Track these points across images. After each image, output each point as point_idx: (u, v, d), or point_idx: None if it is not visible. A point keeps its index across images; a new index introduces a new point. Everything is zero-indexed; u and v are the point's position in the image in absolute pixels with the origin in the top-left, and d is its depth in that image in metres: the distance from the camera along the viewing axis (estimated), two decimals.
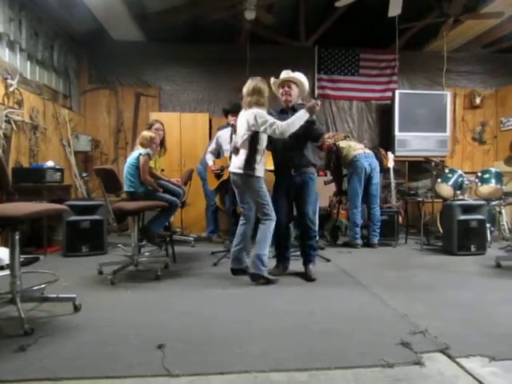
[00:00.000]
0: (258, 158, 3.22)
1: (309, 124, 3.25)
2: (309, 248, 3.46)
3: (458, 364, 1.78)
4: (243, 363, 1.80)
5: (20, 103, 4.59)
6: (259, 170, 3.22)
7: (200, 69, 6.60)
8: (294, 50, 6.57)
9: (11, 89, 4.40)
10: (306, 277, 3.35)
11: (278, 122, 3.11)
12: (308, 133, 3.32)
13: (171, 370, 1.71)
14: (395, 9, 4.81)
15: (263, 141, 3.25)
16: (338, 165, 5.34)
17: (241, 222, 3.43)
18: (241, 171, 3.21)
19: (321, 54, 6.83)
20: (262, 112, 3.17)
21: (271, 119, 3.13)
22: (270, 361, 1.81)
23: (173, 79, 6.66)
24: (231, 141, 4.16)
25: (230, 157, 4.19)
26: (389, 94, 6.85)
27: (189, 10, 5.54)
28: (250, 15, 5.18)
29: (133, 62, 6.49)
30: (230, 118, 4.71)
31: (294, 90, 3.42)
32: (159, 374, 1.70)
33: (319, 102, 3.28)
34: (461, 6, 5.14)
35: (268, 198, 3.25)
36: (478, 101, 7.04)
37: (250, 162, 3.19)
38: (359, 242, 4.91)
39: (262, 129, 3.13)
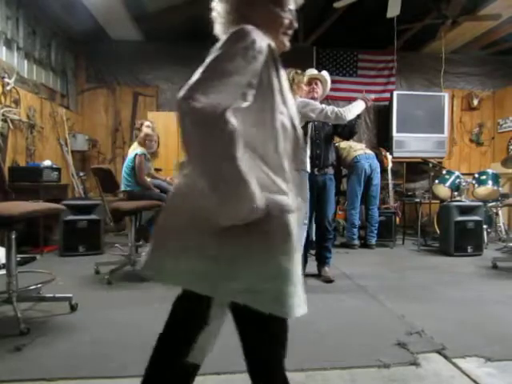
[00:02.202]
0: (308, 151, 3.12)
1: (355, 118, 3.17)
2: (325, 250, 3.40)
3: (454, 364, 1.79)
4: (239, 363, 1.79)
5: (17, 102, 4.58)
6: (307, 165, 3.08)
7: (198, 69, 6.58)
8: (292, 51, 6.48)
9: (8, 87, 4.38)
10: (324, 279, 3.29)
11: (335, 108, 3.00)
12: (343, 128, 3.24)
13: None
14: (394, 10, 4.82)
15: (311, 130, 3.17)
16: (337, 165, 5.35)
17: None
18: None
19: (319, 55, 6.84)
20: (307, 100, 3.09)
21: (323, 105, 3.03)
22: None
23: (171, 79, 6.65)
24: None
25: None
26: (387, 95, 6.86)
27: (187, 9, 5.53)
28: None
29: (131, 61, 6.48)
30: None
31: (320, 89, 3.39)
32: None
33: (372, 97, 3.26)
34: (459, 8, 5.15)
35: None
36: (475, 102, 7.06)
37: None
38: (356, 242, 4.92)
39: (322, 115, 2.97)
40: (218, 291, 0.95)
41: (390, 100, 6.67)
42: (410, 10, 5.08)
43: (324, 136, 3.24)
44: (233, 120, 0.84)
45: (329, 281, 3.26)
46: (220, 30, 1.07)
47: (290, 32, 1.07)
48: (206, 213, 0.88)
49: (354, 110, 3.05)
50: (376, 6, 5.09)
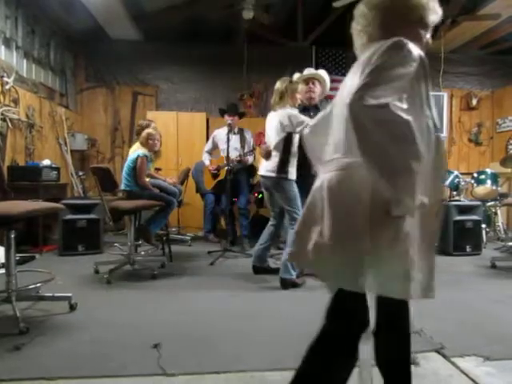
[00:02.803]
0: (292, 160, 3.13)
1: None
2: None
3: (452, 364, 1.79)
4: (239, 362, 1.80)
5: (16, 101, 4.57)
6: (292, 173, 3.13)
7: (198, 68, 6.59)
8: (291, 50, 6.57)
9: (7, 87, 4.37)
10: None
11: None
12: None
13: (167, 370, 1.71)
14: None
15: (296, 142, 3.14)
16: None
17: (270, 223, 3.39)
18: (274, 174, 3.11)
19: (318, 55, 6.83)
20: (295, 113, 3.10)
21: (306, 119, 3.05)
22: (266, 360, 1.81)
23: (170, 78, 6.65)
24: (228, 140, 4.18)
25: (227, 156, 4.22)
26: None
27: (186, 9, 5.53)
28: (247, 15, 5.17)
29: (130, 60, 6.47)
30: (227, 118, 4.71)
31: (318, 88, 3.38)
32: (154, 373, 1.70)
33: None
34: (458, 8, 5.15)
35: (298, 203, 3.16)
36: (474, 102, 7.06)
37: (283, 165, 3.09)
38: None
39: (298, 129, 3.02)
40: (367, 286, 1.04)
41: None
42: None
43: None
44: (403, 114, 0.95)
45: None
46: (363, 43, 1.22)
47: (425, 48, 1.20)
48: (384, 205, 0.99)
49: None
50: None
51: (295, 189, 3.15)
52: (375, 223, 1.02)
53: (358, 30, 1.24)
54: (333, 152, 1.16)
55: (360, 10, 1.22)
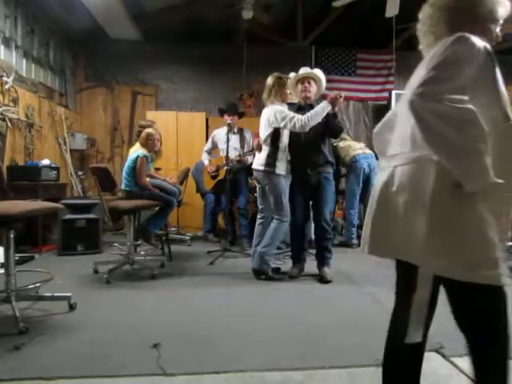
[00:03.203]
0: (280, 155, 3.22)
1: (330, 118, 3.19)
2: (324, 250, 3.36)
3: (451, 363, 1.80)
4: (239, 362, 1.80)
5: (15, 101, 4.57)
6: (280, 168, 3.21)
7: (197, 68, 6.59)
8: (291, 50, 6.57)
9: (6, 86, 4.37)
10: (321, 278, 3.27)
11: (298, 116, 3.07)
12: (328, 128, 3.25)
13: (166, 369, 1.71)
14: (392, 9, 4.82)
15: (284, 137, 3.25)
16: (336, 165, 5.34)
17: (258, 222, 3.42)
18: (262, 168, 3.24)
19: (318, 54, 6.83)
20: (281, 108, 3.18)
21: (291, 114, 3.11)
22: (265, 360, 1.81)
23: (170, 78, 6.65)
24: (227, 140, 4.18)
25: (227, 156, 4.21)
26: (385, 94, 6.87)
27: (186, 9, 5.52)
28: (247, 15, 5.18)
29: (130, 60, 6.47)
30: (226, 118, 4.71)
31: (314, 87, 3.36)
32: (154, 373, 1.70)
33: (343, 94, 3.21)
34: None
35: (285, 199, 3.22)
36: None
37: (271, 159, 3.21)
38: (355, 242, 4.92)
39: (282, 124, 3.12)
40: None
41: (389, 99, 6.67)
42: (409, 10, 5.08)
43: (314, 135, 3.21)
44: (463, 105, 0.99)
45: (326, 281, 3.24)
46: (429, 43, 1.24)
47: (495, 41, 1.23)
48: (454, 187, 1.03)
49: (317, 114, 3.07)
50: (375, 6, 5.09)
51: (283, 183, 3.24)
52: (451, 209, 1.05)
53: (423, 30, 1.28)
54: (400, 146, 1.20)
55: (425, 11, 1.26)
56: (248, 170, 4.95)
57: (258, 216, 3.45)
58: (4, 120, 4.29)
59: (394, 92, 6.62)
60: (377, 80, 6.96)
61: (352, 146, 5.10)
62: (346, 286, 3.17)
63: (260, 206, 3.45)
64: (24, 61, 5.01)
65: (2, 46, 4.54)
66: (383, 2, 4.77)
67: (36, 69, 5.31)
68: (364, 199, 5.02)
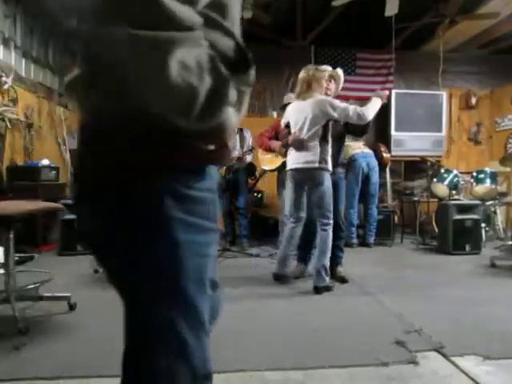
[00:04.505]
0: (329, 150, 3.03)
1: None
2: (337, 249, 3.27)
3: (452, 363, 1.80)
4: (239, 362, 1.80)
5: (15, 101, 4.56)
6: (330, 165, 3.01)
7: None
8: (290, 50, 6.56)
9: (6, 86, 4.36)
10: (339, 278, 3.21)
11: (357, 107, 2.97)
12: (356, 126, 3.13)
13: None
14: (392, 8, 4.82)
15: (330, 132, 3.07)
16: None
17: (291, 226, 3.17)
18: (316, 165, 2.94)
19: (317, 54, 6.83)
20: (330, 98, 3.05)
21: (346, 105, 2.99)
22: (266, 360, 1.81)
23: None
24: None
25: None
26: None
27: None
28: (246, 14, 5.17)
29: None
30: None
31: (333, 86, 3.30)
32: None
33: (387, 93, 3.23)
34: (457, 7, 5.15)
35: (332, 200, 3.01)
36: (473, 101, 7.07)
37: (324, 155, 2.96)
38: (355, 241, 4.92)
39: (340, 114, 2.92)
40: None
41: (389, 99, 6.66)
42: (408, 9, 5.08)
43: (335, 135, 3.15)
44: None
45: (344, 280, 3.19)
46: None
47: None
48: None
49: (374, 108, 3.00)
50: (374, 5, 5.09)
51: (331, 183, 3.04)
52: None
53: None
54: None
55: None
56: (248, 169, 4.96)
57: (291, 220, 3.17)
58: (3, 120, 4.28)
59: (393, 91, 6.60)
60: (376, 79, 6.96)
61: (351, 146, 5.10)
62: (346, 286, 3.17)
63: (292, 208, 3.15)
64: (23, 61, 5.00)
65: (1, 46, 4.53)
66: (383, 1, 4.77)
67: (35, 69, 5.30)
68: (364, 198, 5.02)
